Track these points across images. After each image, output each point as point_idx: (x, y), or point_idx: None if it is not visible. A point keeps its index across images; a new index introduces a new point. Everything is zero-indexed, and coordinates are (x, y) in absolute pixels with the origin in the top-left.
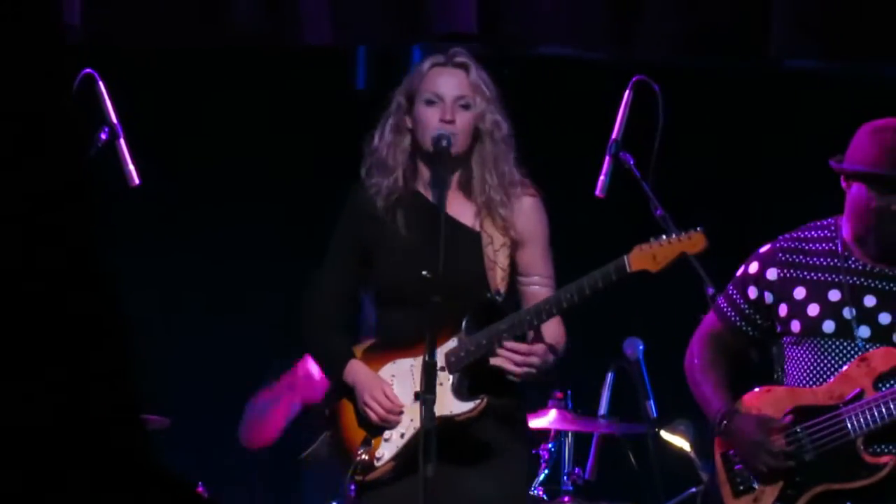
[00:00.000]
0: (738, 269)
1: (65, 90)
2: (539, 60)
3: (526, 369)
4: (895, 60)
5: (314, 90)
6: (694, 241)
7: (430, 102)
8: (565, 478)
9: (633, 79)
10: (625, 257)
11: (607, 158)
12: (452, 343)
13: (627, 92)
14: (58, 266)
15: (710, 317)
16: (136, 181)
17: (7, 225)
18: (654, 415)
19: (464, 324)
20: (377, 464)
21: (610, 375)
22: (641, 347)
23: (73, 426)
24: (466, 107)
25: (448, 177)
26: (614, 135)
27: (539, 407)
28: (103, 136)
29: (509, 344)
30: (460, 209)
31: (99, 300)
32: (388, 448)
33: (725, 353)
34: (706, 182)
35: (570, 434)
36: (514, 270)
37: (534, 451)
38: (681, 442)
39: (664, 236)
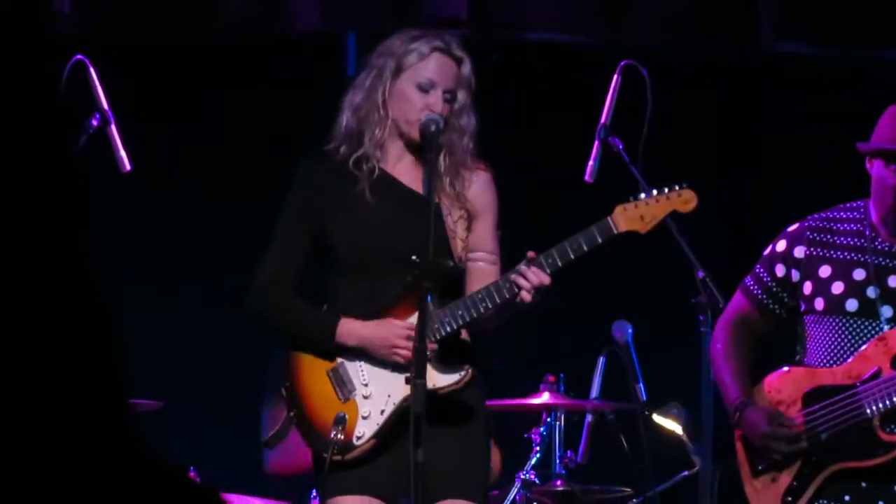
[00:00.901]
0: (738, 253)
1: (53, 78)
2: (528, 45)
3: (534, 296)
4: (884, 45)
5: (304, 76)
6: (685, 199)
7: (421, 87)
8: (557, 461)
9: (622, 63)
10: (608, 218)
11: (596, 143)
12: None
13: (616, 76)
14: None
15: (737, 297)
16: (128, 167)
17: None
18: (644, 398)
19: (430, 296)
20: (357, 443)
21: (601, 359)
22: (630, 331)
23: (59, 411)
24: (450, 100)
25: (404, 149)
26: (603, 119)
27: (531, 391)
28: (94, 123)
29: (537, 271)
30: (416, 180)
31: (87, 285)
32: (367, 426)
33: (750, 335)
34: (695, 166)
35: (561, 418)
36: (468, 243)
37: (525, 435)
38: (672, 425)
39: (644, 194)
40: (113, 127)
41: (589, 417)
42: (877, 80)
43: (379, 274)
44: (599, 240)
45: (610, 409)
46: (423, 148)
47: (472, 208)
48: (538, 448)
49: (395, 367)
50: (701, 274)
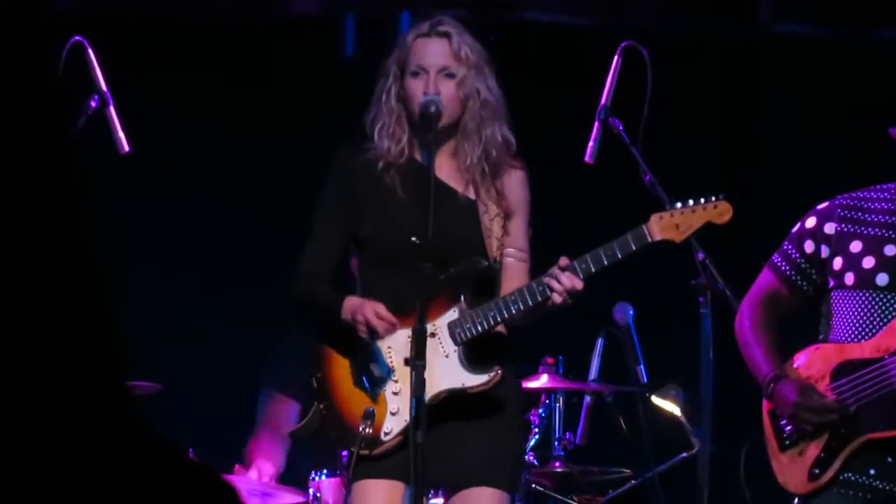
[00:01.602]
0: (733, 236)
1: (51, 59)
2: (527, 26)
3: (566, 298)
4: (883, 25)
5: (303, 58)
6: (720, 210)
7: (415, 74)
8: (556, 443)
9: (622, 44)
10: (644, 227)
11: (596, 124)
12: (453, 314)
13: (616, 57)
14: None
15: (765, 275)
16: (126, 148)
17: None
18: (645, 380)
19: (462, 295)
20: (385, 438)
21: (600, 341)
22: (631, 312)
23: (60, 393)
24: (451, 76)
25: (438, 144)
26: (603, 101)
27: (530, 373)
28: (93, 104)
29: (571, 276)
30: (456, 178)
31: (86, 268)
32: (395, 422)
33: (777, 313)
34: (695, 147)
35: (560, 399)
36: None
37: (524, 417)
38: (671, 407)
39: (680, 204)
40: (111, 108)
41: (587, 399)
42: (876, 60)
43: (407, 267)
44: (633, 247)
45: (608, 391)
46: (422, 128)
47: (508, 206)
48: (537, 430)
49: (408, 360)
50: (701, 256)
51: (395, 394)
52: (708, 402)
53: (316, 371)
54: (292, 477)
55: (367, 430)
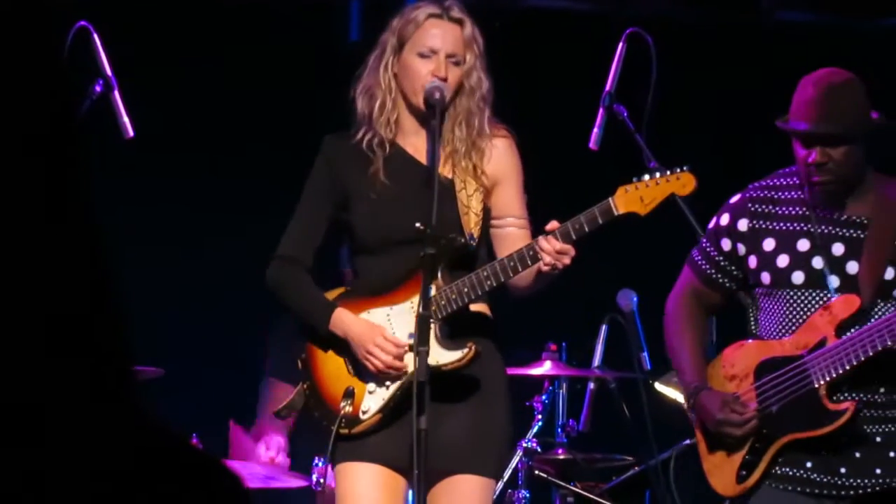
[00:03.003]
0: (709, 221)
1: (57, 43)
2: (532, 12)
3: (553, 266)
4: (886, 13)
5: (308, 42)
6: (683, 182)
7: (422, 55)
8: (559, 430)
9: (627, 31)
10: (609, 200)
11: (601, 111)
12: (431, 291)
13: (621, 44)
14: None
15: (686, 272)
16: (131, 133)
17: None
18: (649, 367)
19: (439, 271)
20: (363, 417)
21: (604, 328)
22: (635, 299)
23: (65, 378)
24: (457, 63)
25: (421, 124)
26: (608, 87)
27: (533, 359)
28: (98, 89)
29: (550, 238)
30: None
31: (93, 254)
32: (373, 400)
33: (701, 309)
34: (700, 134)
35: (563, 386)
36: (486, 215)
37: (527, 404)
38: (675, 394)
39: (648, 176)
40: (116, 93)
41: (591, 386)
42: (879, 48)
43: (397, 251)
44: (600, 221)
45: (612, 378)
46: (427, 115)
47: (491, 179)
48: (540, 416)
49: (412, 346)
50: (704, 241)
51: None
52: None
53: (301, 352)
54: (295, 464)
55: (348, 408)
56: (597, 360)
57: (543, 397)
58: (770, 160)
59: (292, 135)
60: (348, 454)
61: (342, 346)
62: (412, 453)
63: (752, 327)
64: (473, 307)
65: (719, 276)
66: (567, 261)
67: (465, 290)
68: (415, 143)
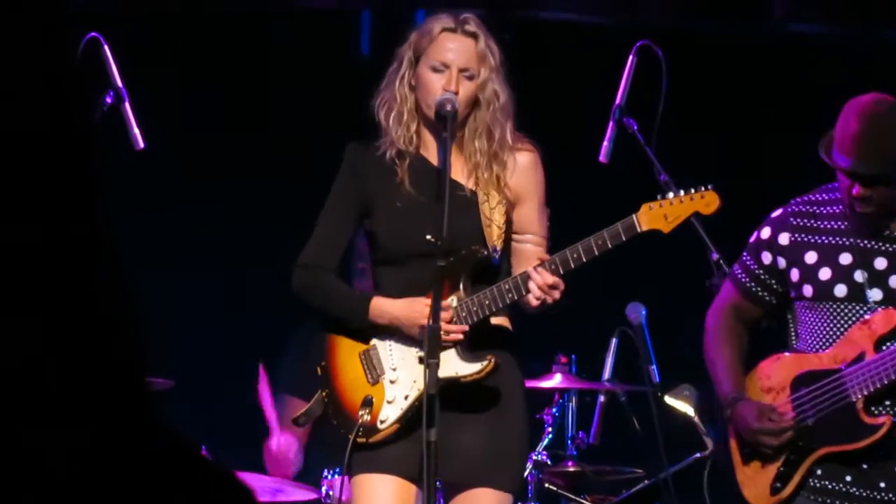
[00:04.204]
0: (750, 235)
1: (71, 52)
2: (543, 25)
3: (542, 301)
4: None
5: (319, 55)
6: (707, 201)
7: (435, 69)
8: (569, 442)
9: (637, 44)
10: (633, 216)
11: (611, 124)
12: (452, 302)
13: (631, 57)
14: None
15: (726, 286)
16: (141, 145)
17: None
18: (657, 380)
19: (461, 283)
20: (381, 426)
21: (614, 341)
22: (644, 312)
23: (77, 385)
24: (471, 77)
25: (449, 139)
26: (618, 100)
27: (543, 372)
28: (108, 100)
29: (542, 271)
30: (455, 168)
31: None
32: (392, 410)
33: (741, 323)
34: (710, 147)
35: (573, 399)
36: (509, 228)
37: (537, 416)
38: (684, 407)
39: (672, 194)
40: (127, 104)
41: (601, 398)
42: (891, 60)
43: (418, 262)
44: (623, 237)
45: (622, 391)
46: (437, 127)
47: (514, 194)
48: (550, 429)
49: (423, 358)
50: (715, 256)
51: (393, 382)
52: (721, 403)
53: (321, 360)
54: (306, 476)
55: (366, 417)
56: (607, 373)
57: (554, 410)
58: (781, 172)
59: (303, 147)
60: (365, 465)
61: (366, 352)
62: (436, 465)
63: (793, 341)
64: (494, 320)
65: (759, 289)
66: (557, 295)
67: (487, 302)
68: (436, 155)
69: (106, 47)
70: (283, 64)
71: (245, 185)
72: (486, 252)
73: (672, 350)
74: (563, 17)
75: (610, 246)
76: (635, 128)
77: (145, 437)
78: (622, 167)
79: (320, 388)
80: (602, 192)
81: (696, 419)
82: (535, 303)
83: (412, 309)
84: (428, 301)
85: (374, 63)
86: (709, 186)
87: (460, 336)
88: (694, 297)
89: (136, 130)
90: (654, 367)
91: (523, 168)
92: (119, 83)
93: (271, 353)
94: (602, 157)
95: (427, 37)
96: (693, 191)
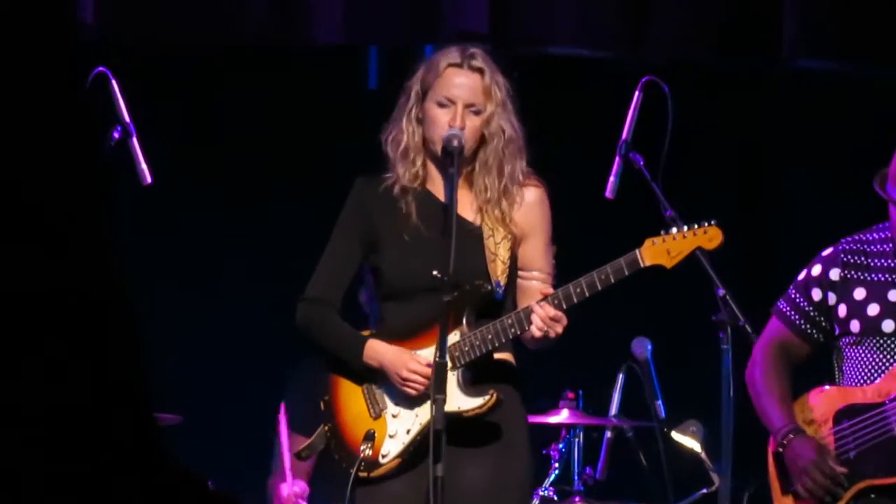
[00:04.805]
0: (757, 269)
1: (80, 87)
2: (549, 60)
3: (545, 334)
4: None
5: (326, 89)
6: (710, 236)
7: (441, 104)
8: (576, 477)
9: (643, 79)
10: (637, 251)
11: (617, 159)
12: (454, 337)
13: (637, 92)
14: (72, 266)
15: (773, 323)
16: (149, 180)
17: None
18: (663, 415)
19: (464, 318)
20: (382, 461)
21: (621, 376)
22: (650, 347)
23: (84, 421)
24: (477, 112)
25: (456, 175)
26: (624, 135)
27: (550, 407)
28: (116, 135)
29: (545, 305)
30: (462, 203)
31: (114, 297)
32: (393, 445)
33: (788, 360)
34: (717, 183)
35: (580, 434)
36: (514, 263)
37: (544, 452)
38: (691, 442)
39: (675, 229)
40: (134, 139)
41: (608, 434)
42: None
43: (423, 297)
44: (626, 272)
45: (628, 426)
46: (445, 163)
47: (520, 230)
48: (557, 464)
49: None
50: (721, 291)
51: (395, 416)
52: (728, 439)
53: (324, 394)
54: None
55: (368, 451)
56: (614, 409)
57: (560, 445)
58: (788, 208)
59: (310, 182)
60: (367, 500)
61: (368, 386)
62: (429, 500)
63: (837, 378)
64: (497, 354)
65: (808, 325)
66: (560, 329)
67: (490, 336)
68: (442, 190)
69: (114, 82)
70: (290, 98)
71: (253, 220)
72: (489, 287)
73: (678, 385)
74: (570, 52)
75: (613, 281)
76: (641, 163)
77: (153, 471)
78: (628, 203)
79: (323, 422)
80: (608, 227)
81: (703, 455)
82: (537, 334)
83: (398, 359)
84: (417, 354)
85: (382, 97)
86: (712, 222)
87: (420, 388)
88: (699, 333)
89: (144, 165)
90: (660, 402)
91: (530, 204)
92: (127, 118)
93: (278, 388)
94: (608, 193)
95: (433, 71)
96: (696, 226)
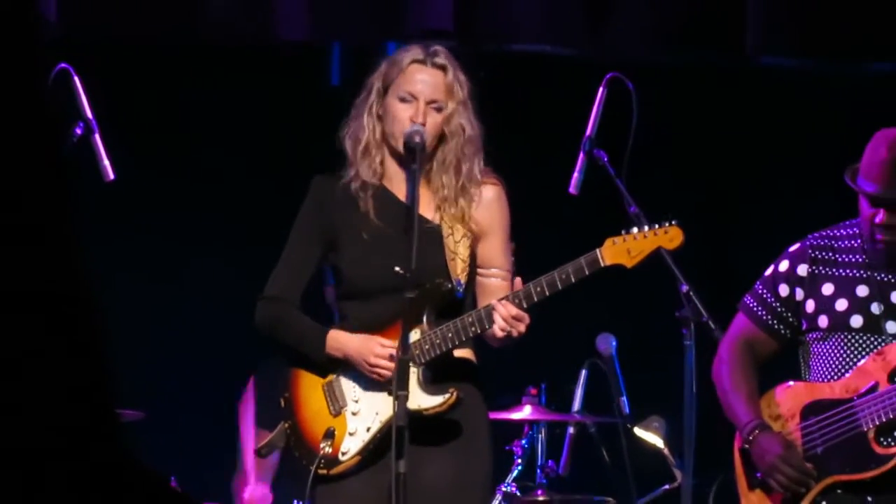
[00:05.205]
0: (722, 266)
1: (41, 85)
2: (514, 57)
3: (508, 333)
4: (870, 58)
5: (289, 86)
6: (671, 236)
7: (403, 100)
8: (539, 471)
9: (607, 76)
10: (597, 251)
11: (581, 155)
12: (415, 335)
13: (601, 89)
14: (33, 264)
15: (740, 319)
16: (112, 176)
17: None
18: (627, 411)
19: (425, 316)
20: (342, 458)
21: (584, 372)
22: (614, 343)
23: (49, 426)
24: (439, 109)
25: (418, 172)
26: (588, 132)
27: (513, 403)
28: (78, 132)
29: (506, 303)
30: (420, 201)
31: (76, 293)
32: (353, 442)
33: (755, 357)
34: (680, 179)
35: (543, 431)
36: (474, 261)
37: (507, 448)
38: (654, 438)
39: (636, 229)
40: (97, 136)
41: (571, 430)
42: (863, 93)
43: (384, 295)
44: (587, 272)
45: (591, 422)
46: (407, 160)
47: (479, 227)
48: (520, 461)
49: (386, 385)
50: (684, 287)
51: (354, 414)
52: (691, 434)
53: (284, 391)
54: None
55: (327, 449)
56: (577, 405)
57: (523, 442)
58: (753, 204)
59: (273, 178)
60: (327, 498)
61: (328, 383)
62: (391, 497)
63: (804, 374)
64: (457, 353)
65: (775, 321)
66: (522, 328)
67: (450, 335)
68: (401, 187)
69: (76, 78)
70: (253, 95)
71: (216, 216)
72: (450, 285)
73: (642, 382)
74: (534, 48)
75: (573, 280)
76: (605, 159)
77: (113, 469)
78: (592, 199)
79: (283, 419)
80: (572, 223)
81: (666, 450)
82: (500, 334)
83: (364, 346)
84: (382, 339)
85: (345, 94)
86: (673, 221)
87: (388, 373)
88: (664, 329)
89: (107, 162)
90: (624, 398)
91: (488, 202)
92: (89, 114)
93: (242, 385)
94: (572, 189)
95: (396, 67)
96: (657, 226)
